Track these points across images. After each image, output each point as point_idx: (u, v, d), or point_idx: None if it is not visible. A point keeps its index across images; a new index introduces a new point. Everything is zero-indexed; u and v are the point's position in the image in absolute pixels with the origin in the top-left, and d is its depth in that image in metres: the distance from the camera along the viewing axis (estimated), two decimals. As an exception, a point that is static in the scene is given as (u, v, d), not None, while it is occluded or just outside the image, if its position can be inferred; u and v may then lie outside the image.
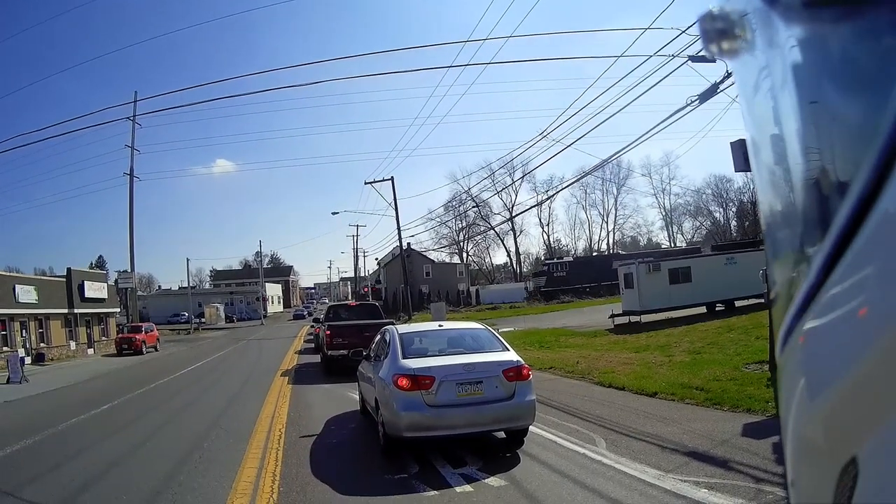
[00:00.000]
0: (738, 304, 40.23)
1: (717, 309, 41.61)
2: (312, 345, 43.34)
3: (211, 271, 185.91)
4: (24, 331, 50.17)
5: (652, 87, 26.14)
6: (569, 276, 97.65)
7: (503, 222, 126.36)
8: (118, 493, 10.70)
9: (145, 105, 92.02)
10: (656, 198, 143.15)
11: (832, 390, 1.30)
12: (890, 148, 1.01)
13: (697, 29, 1.74)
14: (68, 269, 60.25)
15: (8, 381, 33.41)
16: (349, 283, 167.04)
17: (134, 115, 66.85)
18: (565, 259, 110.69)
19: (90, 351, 60.48)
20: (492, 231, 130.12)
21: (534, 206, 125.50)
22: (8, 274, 56.37)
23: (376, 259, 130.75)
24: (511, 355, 12.14)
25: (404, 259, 73.72)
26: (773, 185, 1.69)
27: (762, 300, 27.37)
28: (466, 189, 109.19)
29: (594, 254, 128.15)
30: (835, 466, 1.25)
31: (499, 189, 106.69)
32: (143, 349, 55.47)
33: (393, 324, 17.87)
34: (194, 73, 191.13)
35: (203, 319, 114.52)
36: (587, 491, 9.08)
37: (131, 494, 10.54)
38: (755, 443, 10.63)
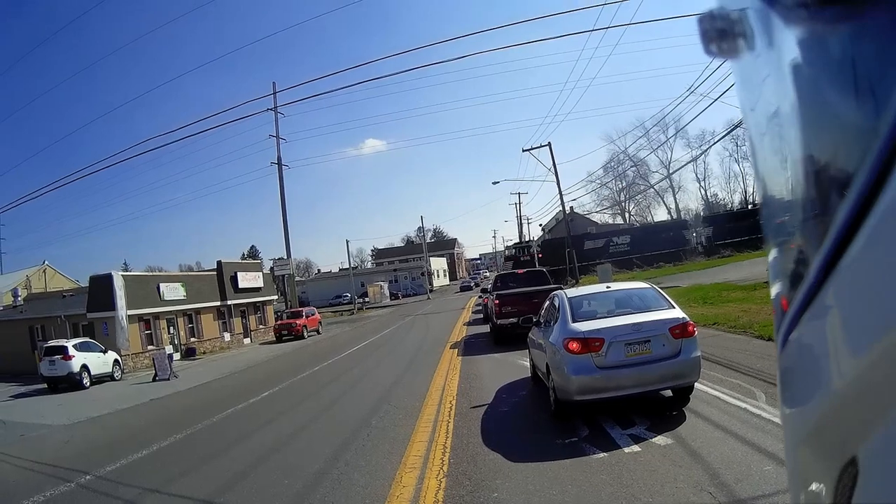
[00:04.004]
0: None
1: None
2: (481, 315, 44.39)
3: (372, 250, 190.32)
4: (171, 328, 52.58)
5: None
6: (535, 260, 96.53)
7: (661, 180, 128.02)
8: (279, 478, 11.63)
9: (287, 95, 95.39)
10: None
11: (832, 390, 1.43)
12: (890, 148, 1.08)
13: (697, 29, 1.81)
14: (219, 262, 62.75)
15: (154, 379, 35.51)
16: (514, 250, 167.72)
17: (275, 106, 69.42)
18: (530, 242, 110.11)
19: (246, 340, 63.03)
20: (651, 189, 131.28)
21: (688, 163, 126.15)
22: (150, 274, 59.47)
23: (540, 225, 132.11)
24: (676, 312, 12.65)
25: (567, 223, 74.41)
26: (774, 185, 1.84)
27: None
28: (623, 149, 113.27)
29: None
30: (835, 466, 1.38)
31: (654, 147, 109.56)
32: (305, 333, 57.73)
33: (561, 288, 18.40)
34: (333, 59, 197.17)
35: (367, 298, 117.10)
36: (747, 446, 9.59)
37: (294, 477, 11.43)
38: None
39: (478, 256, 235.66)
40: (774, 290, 1.98)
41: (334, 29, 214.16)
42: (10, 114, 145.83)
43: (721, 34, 1.76)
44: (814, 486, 1.58)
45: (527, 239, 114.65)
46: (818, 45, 1.38)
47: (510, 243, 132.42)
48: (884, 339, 1.15)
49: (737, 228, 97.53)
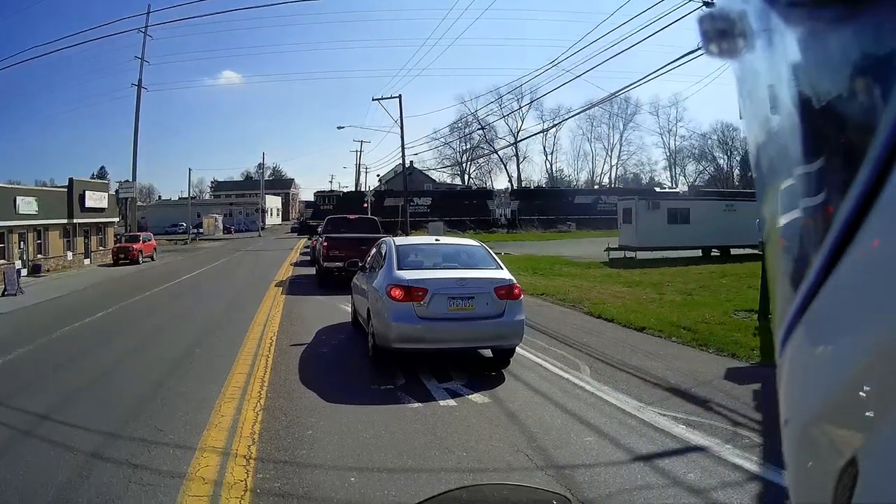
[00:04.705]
0: (733, 251, 40.86)
1: (712, 254, 42.01)
2: (308, 257, 43.59)
3: (212, 182, 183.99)
4: (21, 242, 50.13)
5: (665, 27, 26.09)
6: (335, 210, 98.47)
7: (507, 146, 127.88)
8: (108, 398, 10.90)
9: (157, 16, 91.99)
10: (662, 137, 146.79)
11: (832, 390, 1.28)
12: (890, 148, 0.99)
13: (696, 28, 1.60)
14: (70, 180, 59.82)
15: (3, 294, 33.46)
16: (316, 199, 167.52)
17: (146, 27, 67.13)
18: (335, 192, 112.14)
19: (87, 261, 60.46)
20: (495, 155, 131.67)
21: (539, 133, 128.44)
22: (9, 186, 56.26)
23: (378, 175, 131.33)
24: (504, 273, 12.29)
25: (405, 176, 73.04)
26: (773, 186, 1.58)
27: (757, 250, 27.36)
28: (473, 112, 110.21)
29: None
30: (835, 466, 1.22)
31: (505, 113, 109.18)
32: (140, 259, 55.55)
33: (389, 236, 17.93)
34: None
35: (201, 230, 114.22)
36: (567, 415, 9.28)
37: (121, 399, 10.74)
38: (737, 387, 10.73)
39: (313, 199, 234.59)
40: (775, 287, 1.59)
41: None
42: None
43: (721, 34, 1.54)
44: (814, 486, 1.35)
45: (364, 188, 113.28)
46: (818, 44, 1.23)
47: (346, 189, 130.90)
48: (884, 338, 1.04)
49: (545, 206, 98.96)
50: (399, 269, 12.34)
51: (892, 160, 0.98)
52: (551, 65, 37.50)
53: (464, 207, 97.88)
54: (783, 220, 1.55)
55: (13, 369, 13.95)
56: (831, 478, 1.21)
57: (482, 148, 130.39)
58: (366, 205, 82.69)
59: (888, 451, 1.05)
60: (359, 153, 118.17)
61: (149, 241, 60.72)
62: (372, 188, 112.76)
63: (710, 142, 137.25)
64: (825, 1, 1.18)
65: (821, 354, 1.34)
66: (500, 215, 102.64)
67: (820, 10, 1.19)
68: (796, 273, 1.41)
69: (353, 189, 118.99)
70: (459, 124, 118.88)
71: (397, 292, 11.63)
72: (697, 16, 1.58)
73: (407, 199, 70.68)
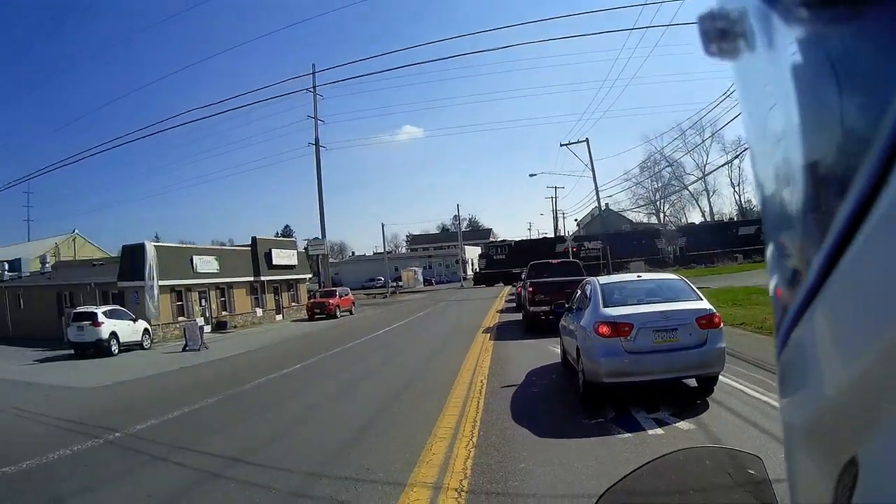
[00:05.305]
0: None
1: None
2: (514, 304, 44.74)
3: (407, 236, 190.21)
4: (203, 300, 53.25)
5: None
6: (508, 259, 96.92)
7: (695, 181, 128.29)
8: (309, 441, 12.26)
9: (326, 76, 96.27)
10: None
11: (833, 390, 1.39)
12: (890, 148, 1.04)
13: (697, 29, 1.66)
14: (253, 238, 63.23)
15: (184, 349, 36.01)
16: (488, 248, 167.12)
17: (314, 86, 71.65)
18: (507, 242, 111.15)
19: (278, 317, 63.46)
20: (686, 191, 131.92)
21: (722, 166, 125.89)
22: (184, 246, 59.67)
23: (575, 220, 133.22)
24: (704, 304, 13.13)
25: (603, 219, 73.93)
26: (773, 186, 1.71)
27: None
28: (659, 149, 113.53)
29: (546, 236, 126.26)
30: (835, 466, 1.34)
31: (689, 149, 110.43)
32: (337, 313, 57.81)
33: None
34: (377, 42, 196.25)
35: (400, 283, 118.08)
36: (767, 436, 9.90)
37: (323, 442, 12.06)
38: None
39: (483, 250, 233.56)
40: (774, 289, 1.75)
41: (379, 12, 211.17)
42: (48, 80, 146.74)
43: (721, 34, 1.64)
44: (814, 486, 1.49)
45: (561, 233, 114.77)
46: (818, 44, 1.31)
47: (544, 235, 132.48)
48: (884, 337, 1.11)
49: (711, 240, 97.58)
50: (605, 306, 13.34)
51: (892, 161, 1.05)
52: (724, 96, 37.55)
53: (633, 247, 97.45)
54: (783, 219, 1.69)
55: (201, 417, 15.64)
56: (831, 478, 1.35)
57: (673, 185, 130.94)
58: (564, 249, 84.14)
59: (888, 451, 1.12)
60: (554, 199, 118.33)
61: (346, 295, 63.16)
62: (571, 233, 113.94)
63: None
64: (825, 1, 1.26)
65: (820, 354, 1.48)
66: (670, 252, 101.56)
67: (820, 10, 1.27)
68: (796, 273, 1.57)
69: (553, 234, 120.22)
70: (648, 163, 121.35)
71: (604, 329, 12.68)
72: (698, 15, 1.69)
73: (605, 241, 71.58)
